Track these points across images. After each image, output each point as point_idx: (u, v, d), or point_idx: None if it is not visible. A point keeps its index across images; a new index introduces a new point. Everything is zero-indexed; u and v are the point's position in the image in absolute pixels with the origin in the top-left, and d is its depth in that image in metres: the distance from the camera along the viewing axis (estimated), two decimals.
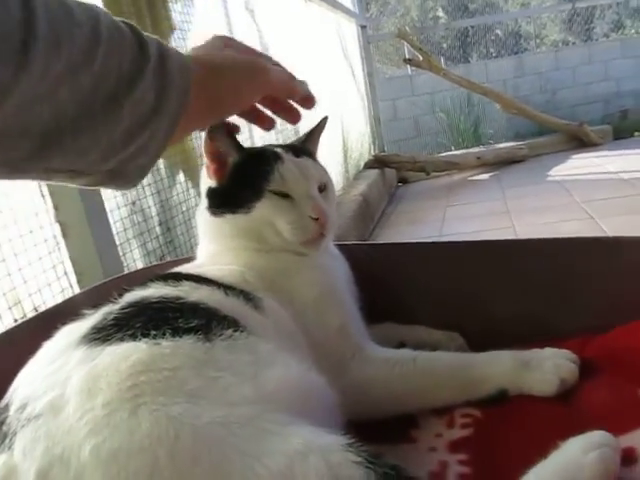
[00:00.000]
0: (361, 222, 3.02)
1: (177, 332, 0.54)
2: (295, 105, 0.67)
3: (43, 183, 1.07)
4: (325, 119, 0.84)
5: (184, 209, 1.65)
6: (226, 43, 0.60)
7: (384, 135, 5.09)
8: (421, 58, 4.59)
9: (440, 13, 8.86)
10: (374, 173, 3.94)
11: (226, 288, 0.63)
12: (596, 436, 0.48)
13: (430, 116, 5.68)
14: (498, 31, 7.65)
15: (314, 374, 0.59)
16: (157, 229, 1.54)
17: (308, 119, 2.53)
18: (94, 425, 0.45)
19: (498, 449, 0.56)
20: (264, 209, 0.71)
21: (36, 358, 0.55)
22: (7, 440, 0.46)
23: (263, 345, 0.57)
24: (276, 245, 0.73)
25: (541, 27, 8.20)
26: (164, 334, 0.53)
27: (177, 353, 0.52)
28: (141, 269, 0.97)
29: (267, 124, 0.70)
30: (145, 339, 0.53)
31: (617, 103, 5.43)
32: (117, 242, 1.29)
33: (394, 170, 4.35)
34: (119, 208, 1.34)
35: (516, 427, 0.58)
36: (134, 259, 1.40)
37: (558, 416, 0.58)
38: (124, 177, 0.51)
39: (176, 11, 1.69)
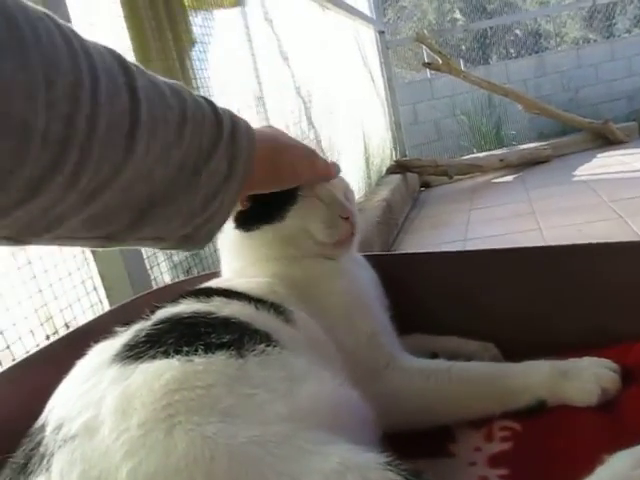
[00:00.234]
0: (385, 228, 3.00)
1: (209, 348, 0.53)
2: None
3: None
4: None
5: None
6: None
7: (405, 140, 5.06)
8: (440, 61, 4.56)
9: (458, 15, 8.81)
10: (396, 178, 3.92)
11: (256, 302, 0.63)
12: None
13: (451, 119, 5.64)
14: (517, 31, 7.57)
15: (348, 389, 0.58)
16: None
17: (329, 128, 2.54)
18: (130, 446, 0.45)
19: (539, 464, 0.54)
20: (299, 211, 0.73)
21: (70, 377, 0.55)
22: (45, 461, 0.46)
23: (296, 360, 0.56)
24: (308, 250, 0.74)
25: (561, 25, 8.10)
26: (196, 350, 0.53)
27: (210, 370, 0.51)
28: (169, 285, 0.97)
29: None
30: (177, 356, 0.52)
31: None
32: (144, 256, 1.29)
33: (416, 175, 4.33)
34: None
35: (557, 440, 0.56)
36: (161, 272, 1.41)
37: (600, 428, 0.56)
38: (195, 241, 0.56)
39: (196, 24, 1.70)
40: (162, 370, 0.51)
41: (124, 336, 0.58)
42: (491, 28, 6.96)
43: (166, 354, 0.53)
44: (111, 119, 0.42)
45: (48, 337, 1.09)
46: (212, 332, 0.56)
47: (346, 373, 0.64)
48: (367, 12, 4.46)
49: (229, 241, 0.79)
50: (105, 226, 0.47)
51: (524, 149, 4.69)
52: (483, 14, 7.61)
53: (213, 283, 0.74)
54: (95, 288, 1.21)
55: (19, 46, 0.36)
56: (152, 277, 1.33)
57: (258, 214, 0.75)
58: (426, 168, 4.22)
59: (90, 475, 0.43)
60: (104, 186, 0.43)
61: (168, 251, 0.58)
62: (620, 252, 0.73)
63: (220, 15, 1.90)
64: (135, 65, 0.46)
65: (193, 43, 1.66)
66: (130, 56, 1.37)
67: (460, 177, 4.38)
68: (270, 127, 0.66)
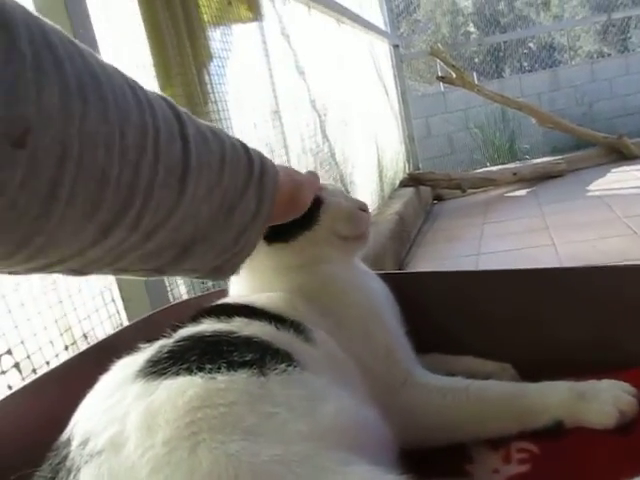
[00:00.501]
0: (397, 241, 3.01)
1: (232, 366, 0.54)
2: None
3: None
4: None
5: None
6: None
7: (418, 153, 5.07)
8: (454, 75, 4.58)
9: (471, 28, 8.84)
10: (409, 191, 3.93)
11: (277, 321, 0.64)
12: None
13: (464, 132, 5.64)
14: (531, 44, 7.58)
15: (367, 409, 0.59)
16: None
17: (343, 141, 2.55)
18: (155, 464, 0.45)
19: None
20: (327, 214, 0.77)
21: (94, 391, 0.56)
22: (71, 476, 0.47)
23: (316, 380, 0.57)
24: (336, 249, 0.78)
25: (575, 39, 8.09)
26: (219, 368, 0.54)
27: (232, 388, 0.52)
28: (187, 300, 0.98)
29: None
30: (200, 373, 0.53)
31: None
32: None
33: (429, 188, 4.33)
34: None
35: (574, 463, 0.56)
36: (177, 284, 1.42)
37: (618, 451, 0.57)
38: (223, 272, 0.60)
39: (215, 39, 1.72)
40: (185, 387, 0.52)
41: (147, 352, 0.59)
42: (505, 42, 6.97)
43: (189, 371, 0.54)
44: (168, 165, 0.45)
45: (67, 347, 1.10)
46: (234, 351, 0.56)
47: (365, 390, 0.65)
48: (382, 26, 4.49)
49: (256, 258, 0.80)
50: (154, 262, 0.51)
51: (538, 163, 4.68)
52: (497, 28, 7.62)
53: (231, 299, 0.75)
54: (113, 299, 1.22)
55: (102, 102, 0.40)
56: (169, 288, 1.35)
57: (291, 225, 0.75)
58: (439, 181, 4.22)
59: None
60: (160, 226, 0.46)
61: (200, 279, 0.63)
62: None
63: (238, 30, 1.92)
64: (185, 112, 0.50)
65: (211, 58, 1.68)
66: (151, 71, 1.39)
67: (473, 191, 4.37)
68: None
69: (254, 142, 1.86)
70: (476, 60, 7.43)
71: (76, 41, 0.41)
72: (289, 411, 0.51)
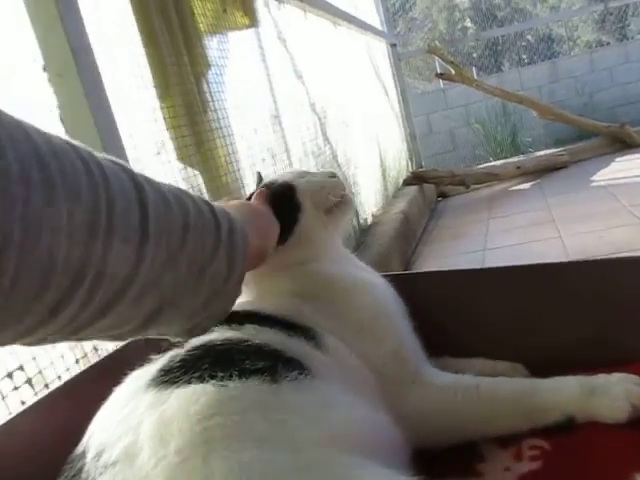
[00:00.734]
0: (403, 240, 3.00)
1: (244, 374, 0.55)
2: None
3: None
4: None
5: None
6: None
7: (421, 150, 5.06)
8: (453, 71, 4.57)
9: (468, 23, 8.83)
10: (413, 190, 3.92)
11: (288, 328, 0.64)
12: None
13: (466, 128, 5.63)
14: (529, 37, 7.56)
15: (379, 413, 0.59)
16: None
17: (345, 143, 2.54)
18: (169, 473, 0.46)
19: None
20: (305, 194, 0.79)
21: (108, 403, 0.57)
22: None
23: (328, 387, 0.57)
24: (328, 229, 0.79)
25: (573, 29, 8.06)
26: (231, 376, 0.54)
27: (245, 395, 0.53)
28: None
29: None
30: (212, 381, 0.54)
31: None
32: None
33: (433, 185, 4.32)
34: None
35: (586, 459, 0.56)
36: None
37: (630, 446, 0.56)
38: (193, 334, 0.58)
39: (212, 48, 1.73)
40: (197, 395, 0.52)
41: (159, 362, 0.59)
42: (502, 36, 6.96)
43: (201, 379, 0.54)
44: (124, 236, 0.44)
45: (77, 361, 1.10)
46: (246, 359, 0.57)
47: (376, 393, 0.65)
48: (378, 26, 4.48)
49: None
50: (115, 330, 0.49)
51: (541, 156, 4.66)
52: (494, 22, 7.61)
53: (240, 306, 0.76)
54: None
55: (48, 184, 0.39)
56: None
57: (283, 224, 0.76)
58: (442, 178, 4.21)
59: None
60: (117, 298, 0.44)
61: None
62: None
63: (235, 37, 1.93)
64: (144, 177, 0.48)
65: (209, 66, 1.69)
66: (149, 82, 1.40)
67: (477, 186, 4.36)
68: (241, 202, 0.72)
69: (255, 147, 1.86)
70: (474, 55, 7.42)
71: (23, 121, 0.40)
72: (301, 418, 0.51)
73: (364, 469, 0.46)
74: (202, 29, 1.68)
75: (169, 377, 0.55)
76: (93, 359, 1.07)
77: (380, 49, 4.48)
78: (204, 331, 0.58)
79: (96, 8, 1.19)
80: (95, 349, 1.16)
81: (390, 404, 0.65)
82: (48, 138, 0.41)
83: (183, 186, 1.43)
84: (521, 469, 0.58)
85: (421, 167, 4.80)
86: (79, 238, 0.40)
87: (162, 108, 1.40)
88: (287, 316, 0.68)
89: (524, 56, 7.27)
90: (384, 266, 2.46)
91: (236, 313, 0.69)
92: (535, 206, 3.44)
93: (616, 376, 0.65)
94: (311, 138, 2.47)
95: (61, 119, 1.07)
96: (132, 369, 0.61)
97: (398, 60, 4.92)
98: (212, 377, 0.54)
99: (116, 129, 1.11)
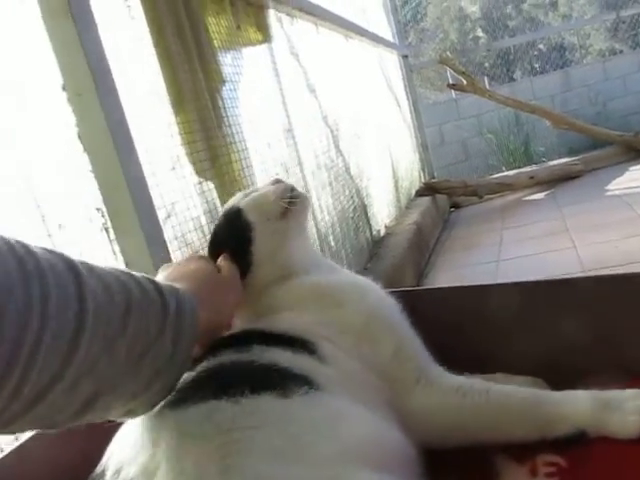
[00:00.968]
0: (416, 251, 3.00)
1: (256, 389, 0.55)
2: None
3: (115, 246, 1.13)
4: None
5: None
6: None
7: (433, 161, 5.07)
8: (465, 82, 4.58)
9: (480, 33, 8.83)
10: (426, 200, 3.92)
11: (291, 345, 0.64)
12: None
13: (478, 138, 5.63)
14: (541, 46, 7.54)
15: (390, 427, 0.59)
16: None
17: (357, 155, 2.56)
18: None
19: None
20: (253, 211, 0.77)
21: (126, 424, 0.58)
22: None
23: (337, 400, 0.58)
24: (288, 234, 0.76)
25: (585, 37, 8.04)
26: (243, 392, 0.55)
27: (258, 410, 0.53)
28: None
29: None
30: (225, 397, 0.54)
31: None
32: None
33: (446, 196, 4.32)
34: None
35: (603, 475, 0.56)
36: None
37: None
38: (138, 413, 0.55)
39: (226, 64, 1.75)
40: (212, 411, 0.53)
41: None
42: (514, 45, 6.95)
43: (215, 395, 0.55)
44: (57, 331, 0.42)
45: None
46: (256, 376, 0.58)
47: (382, 397, 0.65)
48: (390, 38, 4.51)
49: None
50: (49, 419, 0.47)
51: (554, 165, 4.64)
52: (505, 31, 7.61)
53: (240, 327, 0.73)
54: None
55: None
56: None
57: (239, 255, 0.76)
58: (455, 189, 4.21)
59: None
60: (46, 391, 0.43)
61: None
62: None
63: (248, 52, 1.95)
64: (85, 266, 0.47)
65: (223, 82, 1.71)
66: (164, 98, 1.42)
67: (490, 196, 4.35)
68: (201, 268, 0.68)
69: (269, 162, 1.88)
70: (486, 65, 7.42)
71: None
72: (314, 433, 0.52)
73: None
74: (216, 45, 1.71)
75: (183, 395, 0.56)
76: None
77: (392, 61, 4.51)
78: (150, 408, 0.55)
79: (113, 26, 1.22)
80: None
81: (396, 406, 0.64)
82: None
83: (198, 201, 1.44)
84: None
85: (433, 178, 4.80)
86: (7, 336, 0.39)
87: (177, 124, 1.43)
88: (287, 331, 0.67)
89: (536, 65, 7.26)
90: (398, 277, 2.46)
91: (239, 334, 0.69)
92: (549, 216, 3.43)
93: (629, 392, 0.64)
94: (324, 151, 2.48)
95: (79, 136, 1.09)
96: None
97: (410, 71, 4.94)
98: (225, 393, 0.55)
99: (132, 145, 1.14)
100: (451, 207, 4.50)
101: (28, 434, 0.66)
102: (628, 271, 0.76)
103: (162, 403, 0.56)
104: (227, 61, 1.76)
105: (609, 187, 3.81)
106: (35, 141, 1.06)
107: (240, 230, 0.76)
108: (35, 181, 1.04)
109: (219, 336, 0.66)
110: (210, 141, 1.53)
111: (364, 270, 2.43)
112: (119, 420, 0.56)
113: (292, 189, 0.78)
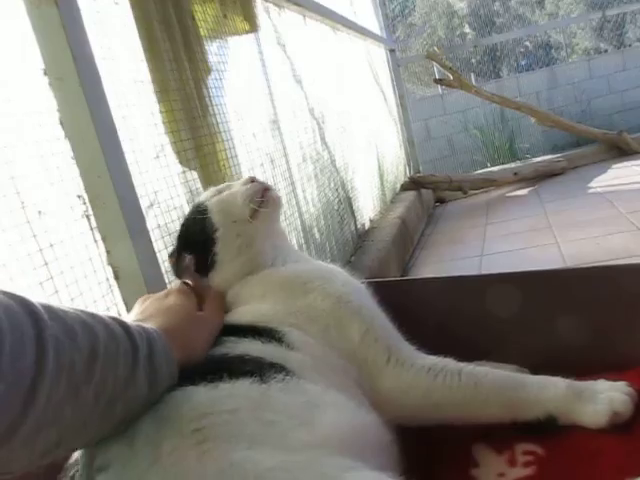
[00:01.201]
0: (401, 245, 3.01)
1: (234, 374, 0.55)
2: None
3: (97, 234, 1.12)
4: None
5: None
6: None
7: (419, 156, 5.08)
8: (451, 77, 4.59)
9: (467, 30, 8.86)
10: (411, 195, 3.93)
11: (260, 335, 0.64)
12: None
13: (464, 134, 5.65)
14: (527, 43, 7.59)
15: (366, 412, 0.59)
16: None
17: (343, 147, 2.55)
18: (162, 474, 0.46)
19: None
20: (217, 213, 0.78)
21: None
22: None
23: (313, 387, 0.58)
24: (260, 230, 0.77)
25: (571, 36, 8.10)
26: (221, 377, 0.55)
27: (235, 394, 0.53)
28: None
29: None
30: (203, 382, 0.54)
31: None
32: (166, 280, 1.32)
33: (431, 191, 4.34)
34: (167, 247, 1.38)
35: (580, 465, 0.57)
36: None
37: (623, 452, 0.57)
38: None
39: (212, 53, 1.74)
40: (189, 395, 0.53)
41: None
42: (501, 42, 6.98)
43: (191, 381, 0.55)
44: (12, 379, 0.40)
45: None
46: (233, 365, 0.58)
47: (354, 380, 0.65)
48: (377, 31, 4.50)
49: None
50: (4, 466, 0.44)
51: (538, 162, 4.68)
52: (492, 28, 7.64)
53: None
54: (119, 314, 1.23)
55: None
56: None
57: (202, 251, 0.77)
58: (440, 184, 4.23)
59: None
60: (1, 444, 0.41)
61: None
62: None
63: (234, 42, 1.94)
64: (47, 308, 0.45)
65: (209, 71, 1.69)
66: (149, 86, 1.40)
67: (475, 192, 4.37)
68: (176, 301, 0.68)
69: (254, 152, 1.87)
70: (473, 61, 7.45)
71: None
72: (290, 419, 0.52)
73: (353, 471, 0.47)
74: (202, 34, 1.69)
75: None
76: None
77: (379, 54, 4.50)
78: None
79: (97, 13, 1.20)
80: None
81: (367, 387, 0.65)
82: None
83: (181, 190, 1.43)
84: (515, 475, 0.58)
85: (419, 172, 4.81)
86: None
87: (161, 112, 1.41)
88: (254, 322, 0.68)
89: (522, 63, 7.31)
90: (382, 270, 2.46)
91: None
92: (532, 212, 3.45)
93: (603, 383, 0.65)
94: (309, 143, 2.47)
95: (61, 122, 1.07)
96: None
97: (397, 65, 4.94)
98: (203, 379, 0.55)
99: (115, 132, 1.12)
100: (436, 202, 4.52)
101: None
102: None
103: None
104: (213, 50, 1.74)
105: (592, 184, 3.85)
106: (15, 126, 1.05)
107: (204, 230, 0.77)
108: (15, 167, 1.02)
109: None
110: (195, 130, 1.52)
111: (348, 263, 2.43)
112: None
113: (265, 189, 0.78)
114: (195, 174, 1.49)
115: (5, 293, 0.44)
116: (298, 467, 0.47)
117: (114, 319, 0.52)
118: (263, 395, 0.54)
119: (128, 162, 1.16)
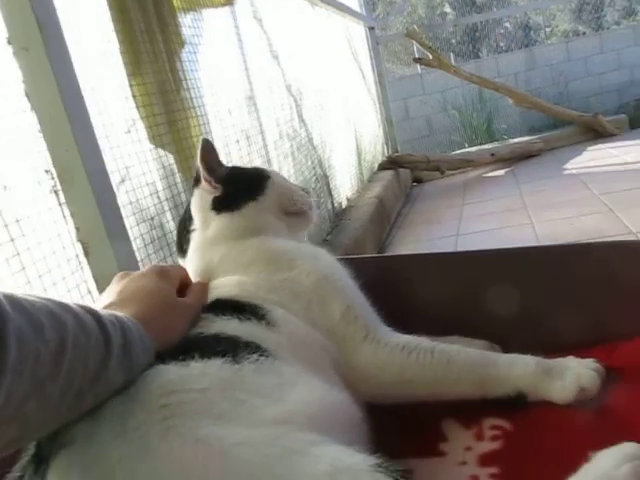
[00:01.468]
0: (378, 224, 3.02)
1: (206, 354, 0.55)
2: None
3: (66, 210, 1.09)
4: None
5: None
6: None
7: (397, 135, 5.08)
8: (431, 57, 4.57)
9: (447, 9, 8.82)
10: (388, 174, 3.93)
11: (238, 312, 0.64)
12: (628, 448, 0.48)
13: (442, 114, 5.65)
14: (507, 24, 7.59)
15: (338, 391, 0.59)
16: None
17: (320, 125, 2.52)
18: (126, 450, 0.46)
19: (529, 462, 0.55)
20: (274, 188, 0.83)
21: None
22: (41, 467, 0.47)
23: (287, 367, 0.57)
24: (279, 223, 0.81)
25: (550, 18, 8.11)
26: (193, 357, 0.54)
27: (206, 373, 0.53)
28: None
29: None
30: (174, 361, 0.54)
31: (632, 92, 5.36)
32: (138, 258, 1.30)
33: (408, 170, 4.34)
34: (138, 224, 1.36)
35: (546, 439, 0.58)
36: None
37: (588, 427, 0.58)
38: None
39: (186, 25, 1.70)
40: (158, 373, 0.52)
41: None
42: (481, 22, 6.97)
43: (162, 360, 0.54)
44: None
45: None
46: (207, 344, 0.57)
47: (331, 359, 0.65)
48: (357, 8, 4.45)
49: (208, 228, 0.80)
50: None
51: (515, 143, 4.71)
52: (473, 8, 7.62)
53: None
54: (90, 291, 1.21)
55: None
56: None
57: (241, 194, 0.80)
58: (418, 164, 4.23)
59: (87, 479, 0.44)
60: None
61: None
62: (618, 250, 0.74)
63: (209, 15, 1.89)
64: (11, 300, 0.43)
65: (183, 44, 1.65)
66: (119, 59, 1.37)
67: (452, 172, 4.39)
68: (153, 285, 0.65)
69: (229, 129, 1.84)
70: (453, 41, 7.43)
71: None
72: (261, 398, 0.52)
73: (320, 446, 0.47)
74: (176, 6, 1.65)
75: None
76: None
77: (358, 32, 4.46)
78: None
79: None
80: None
81: (343, 364, 0.66)
82: None
83: (154, 166, 1.41)
84: (482, 448, 0.59)
85: (397, 152, 4.81)
86: None
87: (132, 86, 1.38)
88: (236, 296, 0.67)
89: (501, 43, 7.31)
90: (358, 249, 2.47)
91: None
92: (508, 193, 3.48)
93: (571, 360, 0.66)
94: (286, 120, 2.45)
95: (26, 94, 1.04)
96: None
97: (376, 44, 4.90)
98: (174, 358, 0.54)
99: (83, 104, 1.09)
100: (413, 182, 4.53)
101: None
102: None
103: None
104: (187, 22, 1.70)
105: (567, 166, 3.89)
106: None
107: (254, 185, 0.82)
108: None
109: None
110: (167, 105, 1.49)
111: (324, 241, 2.42)
112: None
113: (309, 204, 0.87)
114: (167, 150, 1.46)
115: None
116: (264, 441, 0.46)
117: (85, 308, 0.50)
118: (235, 375, 0.54)
119: (98, 136, 1.13)
